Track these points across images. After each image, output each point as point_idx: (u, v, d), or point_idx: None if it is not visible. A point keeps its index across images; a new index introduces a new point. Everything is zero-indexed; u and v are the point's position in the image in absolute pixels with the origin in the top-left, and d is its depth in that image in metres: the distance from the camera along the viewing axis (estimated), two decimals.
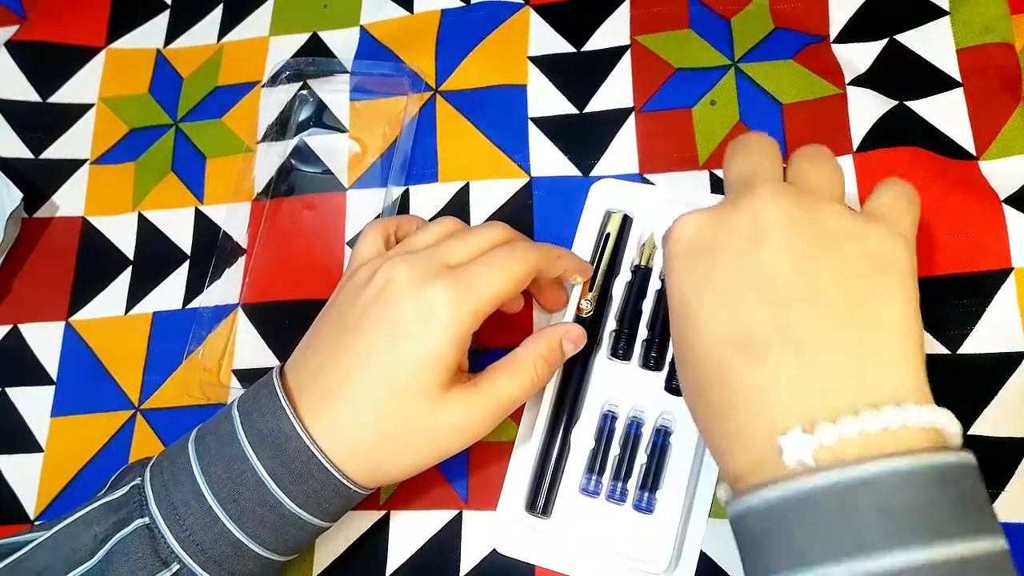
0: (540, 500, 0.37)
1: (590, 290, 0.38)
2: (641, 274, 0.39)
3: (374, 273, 0.34)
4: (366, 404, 0.32)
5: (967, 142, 0.39)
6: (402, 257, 0.34)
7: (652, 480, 0.36)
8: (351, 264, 0.37)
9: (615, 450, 0.37)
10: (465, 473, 0.38)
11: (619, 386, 0.38)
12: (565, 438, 0.37)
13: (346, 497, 0.33)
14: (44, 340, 0.45)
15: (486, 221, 0.41)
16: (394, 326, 0.32)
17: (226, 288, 0.44)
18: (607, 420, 0.37)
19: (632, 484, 0.36)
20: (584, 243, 0.40)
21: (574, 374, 0.37)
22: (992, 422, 0.35)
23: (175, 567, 0.31)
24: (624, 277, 0.39)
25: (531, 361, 0.35)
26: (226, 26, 0.50)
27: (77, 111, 0.50)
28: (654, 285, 0.39)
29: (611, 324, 0.38)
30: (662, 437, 0.36)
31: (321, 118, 0.47)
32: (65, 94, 0.50)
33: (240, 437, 0.32)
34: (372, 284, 0.34)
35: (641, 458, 0.36)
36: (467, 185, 0.43)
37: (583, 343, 0.36)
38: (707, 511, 0.35)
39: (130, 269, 0.46)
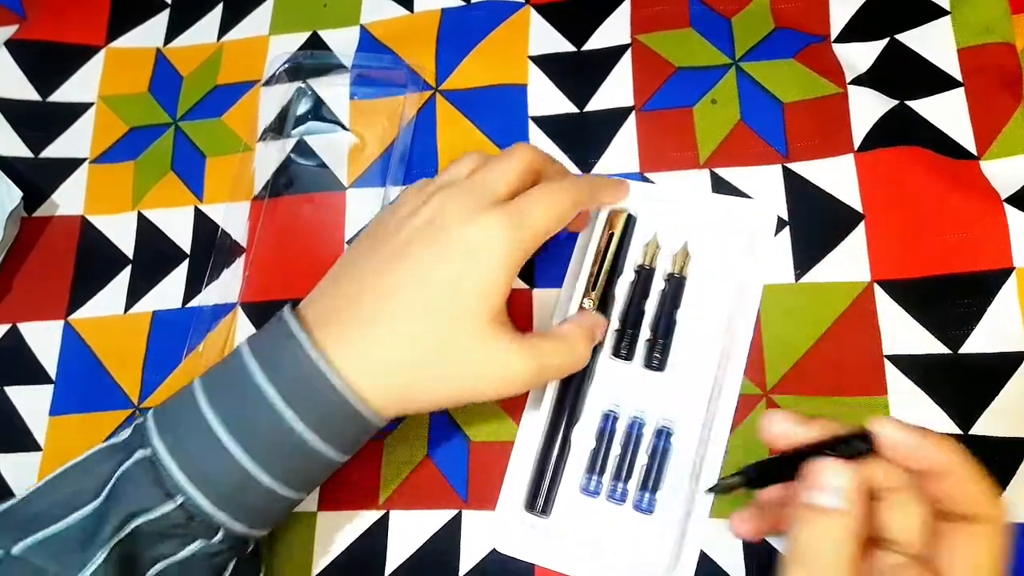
0: (540, 500, 0.36)
1: (592, 289, 0.38)
2: (645, 274, 0.39)
3: (418, 206, 0.34)
4: (406, 321, 0.31)
5: (968, 142, 0.39)
6: (448, 191, 0.33)
7: (653, 481, 0.36)
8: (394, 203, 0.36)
9: (616, 450, 0.37)
10: (465, 473, 0.38)
11: (621, 386, 0.38)
12: (566, 437, 0.37)
13: (362, 424, 0.32)
14: (43, 339, 0.45)
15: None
16: (446, 252, 0.32)
17: (225, 287, 0.44)
18: (608, 420, 0.37)
19: (632, 484, 0.36)
20: (585, 241, 0.40)
21: (575, 374, 0.37)
22: (993, 422, 0.35)
23: (179, 499, 0.30)
24: (627, 277, 0.39)
25: (577, 337, 0.35)
26: (226, 25, 0.50)
27: (77, 110, 0.50)
28: (657, 285, 0.39)
29: (614, 324, 0.38)
30: (663, 438, 0.36)
31: (320, 116, 0.47)
32: (65, 93, 0.50)
33: (248, 365, 0.31)
34: (419, 215, 0.33)
35: (642, 459, 0.36)
36: None
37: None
38: (707, 512, 0.35)
39: (129, 268, 0.46)
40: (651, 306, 0.38)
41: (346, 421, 0.31)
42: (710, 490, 0.31)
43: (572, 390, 0.37)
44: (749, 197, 0.40)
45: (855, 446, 0.26)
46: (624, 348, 0.38)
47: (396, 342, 0.31)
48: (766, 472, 0.29)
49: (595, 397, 0.38)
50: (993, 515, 0.26)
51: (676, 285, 0.38)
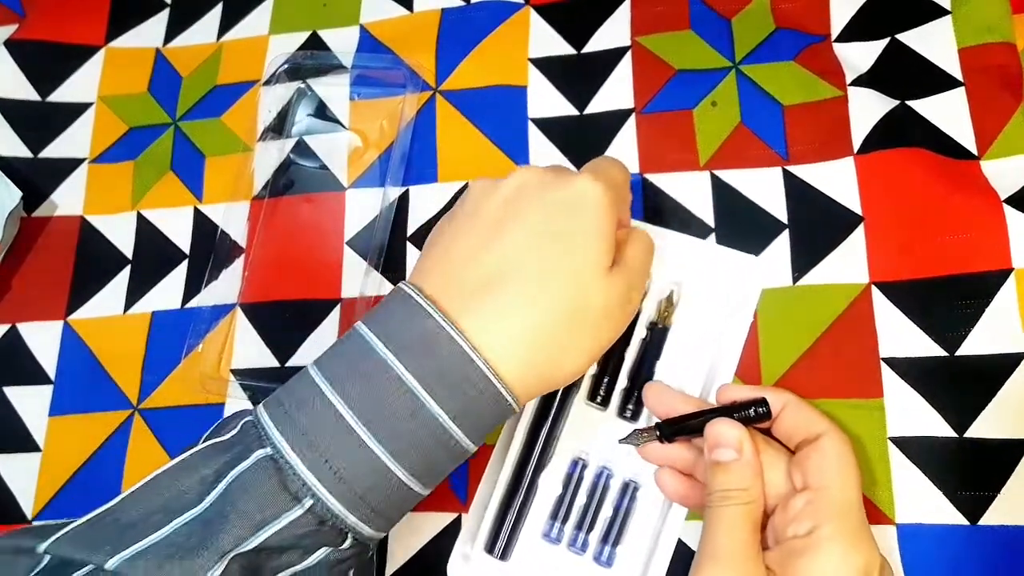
0: (500, 544, 0.36)
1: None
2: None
3: (493, 187, 0.32)
4: (536, 282, 0.30)
5: (968, 142, 0.38)
6: (518, 172, 0.33)
7: (615, 535, 0.35)
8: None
9: (581, 499, 0.36)
10: (464, 476, 0.38)
11: (593, 433, 0.37)
12: (533, 481, 0.36)
13: (501, 411, 0.29)
14: (42, 339, 0.45)
15: None
16: (553, 209, 0.31)
17: (225, 287, 0.44)
18: (577, 467, 0.37)
19: (594, 536, 0.36)
20: None
21: (547, 417, 0.37)
22: (990, 423, 0.35)
23: (308, 502, 0.27)
24: None
25: (647, 257, 0.35)
26: (225, 25, 0.50)
27: (76, 110, 0.50)
28: (639, 334, 0.38)
29: (592, 368, 0.38)
30: (630, 491, 0.36)
31: (320, 116, 0.47)
32: (64, 93, 0.50)
33: (376, 347, 0.28)
34: (504, 186, 0.32)
35: (607, 510, 0.36)
36: (467, 185, 0.43)
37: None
38: (664, 570, 0.35)
39: (129, 268, 0.46)
40: (631, 354, 0.38)
41: (488, 407, 0.29)
42: (622, 440, 0.34)
43: (544, 433, 0.37)
44: (754, 254, 0.39)
45: (755, 411, 0.33)
46: (600, 394, 0.37)
47: (531, 308, 0.29)
48: (676, 429, 0.34)
49: (566, 441, 0.37)
50: (826, 425, 0.32)
51: (658, 336, 0.38)
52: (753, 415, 0.33)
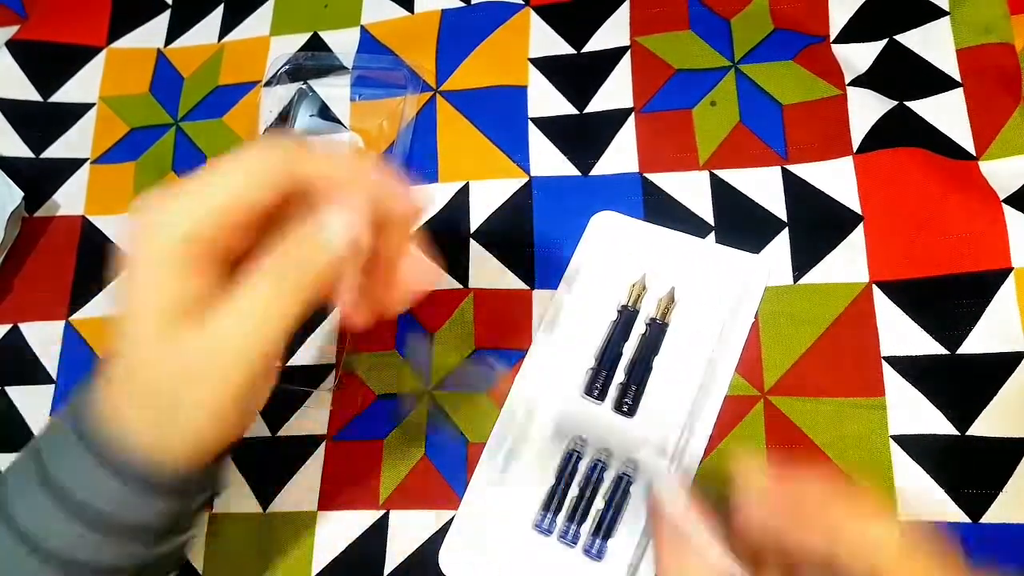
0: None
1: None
2: (627, 315, 0.38)
3: None
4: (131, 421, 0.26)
5: (967, 142, 0.39)
6: None
7: (606, 528, 0.35)
8: None
9: (574, 491, 0.36)
10: (463, 474, 0.38)
11: (588, 426, 0.37)
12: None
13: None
14: (44, 339, 0.45)
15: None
16: None
17: None
18: (571, 458, 0.37)
19: (586, 528, 0.36)
20: (579, 272, 0.39)
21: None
22: (991, 422, 0.35)
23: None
24: (609, 315, 0.39)
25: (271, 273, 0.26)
26: (227, 26, 0.50)
27: (78, 110, 0.50)
28: (638, 329, 0.38)
29: (590, 362, 0.38)
30: (623, 485, 0.36)
31: (321, 116, 0.47)
32: (66, 93, 0.50)
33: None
34: None
35: (599, 503, 0.36)
36: (467, 185, 0.43)
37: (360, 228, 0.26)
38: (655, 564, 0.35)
39: None
40: (629, 349, 0.38)
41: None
42: None
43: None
44: (754, 252, 0.39)
45: None
46: (597, 388, 0.37)
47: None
48: None
49: (561, 433, 0.37)
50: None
51: (657, 331, 0.38)
52: None
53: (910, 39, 0.41)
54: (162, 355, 0.25)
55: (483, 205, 0.43)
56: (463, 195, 0.43)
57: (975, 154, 0.38)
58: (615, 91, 0.43)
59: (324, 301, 0.27)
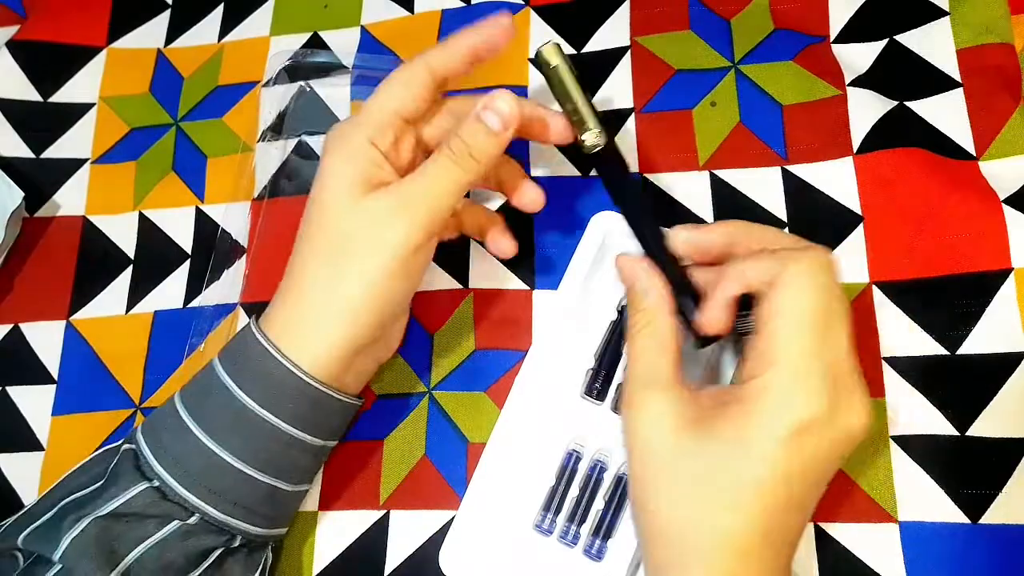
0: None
1: (579, 121, 0.35)
2: (627, 316, 0.38)
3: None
4: (308, 267, 0.34)
5: (967, 142, 0.39)
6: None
7: (606, 528, 0.35)
8: None
9: (574, 491, 0.36)
10: (463, 474, 0.38)
11: (588, 426, 0.37)
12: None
13: (306, 392, 0.33)
14: (45, 339, 0.45)
15: None
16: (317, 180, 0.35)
17: (226, 287, 0.44)
18: (571, 459, 0.37)
19: (586, 529, 0.36)
20: (579, 272, 0.39)
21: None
22: (991, 422, 0.35)
23: (156, 482, 0.32)
24: (609, 316, 0.39)
25: (446, 161, 0.34)
26: (227, 26, 0.50)
27: (78, 110, 0.50)
28: None
29: (590, 362, 0.38)
30: (623, 485, 0.36)
31: (321, 116, 0.47)
32: (66, 93, 0.50)
33: (214, 361, 0.34)
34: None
35: (599, 503, 0.36)
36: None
37: (515, 111, 0.34)
38: None
39: (131, 268, 0.46)
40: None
41: (293, 392, 0.33)
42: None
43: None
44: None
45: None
46: (597, 388, 0.37)
47: (301, 304, 0.33)
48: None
49: (561, 433, 0.37)
50: (787, 257, 0.29)
51: None
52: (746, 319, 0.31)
53: (910, 39, 0.41)
54: (351, 210, 0.33)
55: (483, 205, 0.43)
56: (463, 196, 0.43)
57: (975, 154, 0.38)
58: (615, 91, 0.43)
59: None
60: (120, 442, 0.35)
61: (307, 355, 0.33)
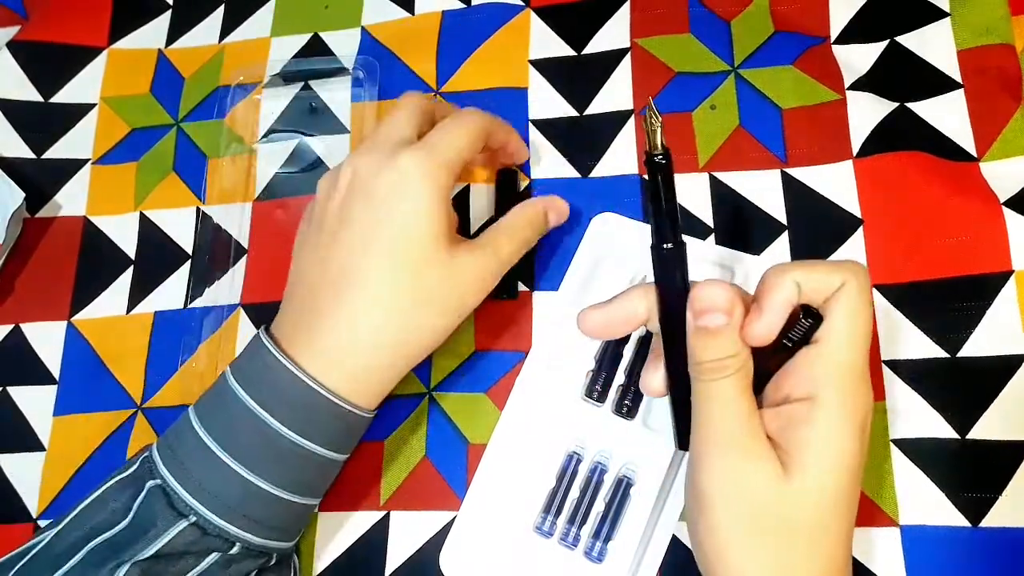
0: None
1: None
2: None
3: (333, 183, 0.35)
4: (359, 303, 0.32)
5: (968, 143, 0.39)
6: (353, 154, 0.35)
7: (607, 530, 0.35)
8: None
9: (575, 493, 0.36)
10: (464, 475, 0.38)
11: (588, 428, 0.37)
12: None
13: (346, 418, 0.33)
14: (46, 339, 0.45)
15: None
16: (371, 208, 0.33)
17: (227, 287, 0.44)
18: (571, 461, 0.37)
19: (586, 531, 0.36)
20: (580, 274, 0.39)
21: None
22: (991, 425, 0.35)
23: (192, 517, 0.32)
24: None
25: (523, 224, 0.37)
26: (227, 27, 0.50)
27: (79, 111, 0.50)
28: (638, 331, 0.38)
29: (589, 364, 0.38)
30: (623, 487, 0.36)
31: (321, 117, 0.47)
32: (67, 94, 0.50)
33: (231, 383, 0.33)
34: (337, 190, 0.34)
35: (599, 506, 0.36)
36: (467, 188, 0.43)
37: (566, 215, 0.39)
38: (657, 567, 0.35)
39: (131, 269, 0.46)
40: (629, 351, 0.38)
41: (329, 418, 0.33)
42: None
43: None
44: (757, 254, 0.39)
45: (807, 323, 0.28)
46: (597, 390, 0.37)
47: (355, 330, 0.32)
48: None
49: (561, 436, 0.37)
50: (843, 275, 0.28)
51: None
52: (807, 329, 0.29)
53: (910, 40, 0.41)
54: (440, 261, 0.33)
55: (483, 206, 0.43)
56: (463, 196, 0.43)
57: (976, 155, 0.38)
58: (615, 93, 0.43)
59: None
60: (134, 467, 0.34)
61: (344, 382, 0.33)
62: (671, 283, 0.30)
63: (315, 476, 0.34)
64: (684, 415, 0.30)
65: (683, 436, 0.31)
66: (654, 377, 0.31)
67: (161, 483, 0.32)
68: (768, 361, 0.30)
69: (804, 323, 0.28)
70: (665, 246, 0.29)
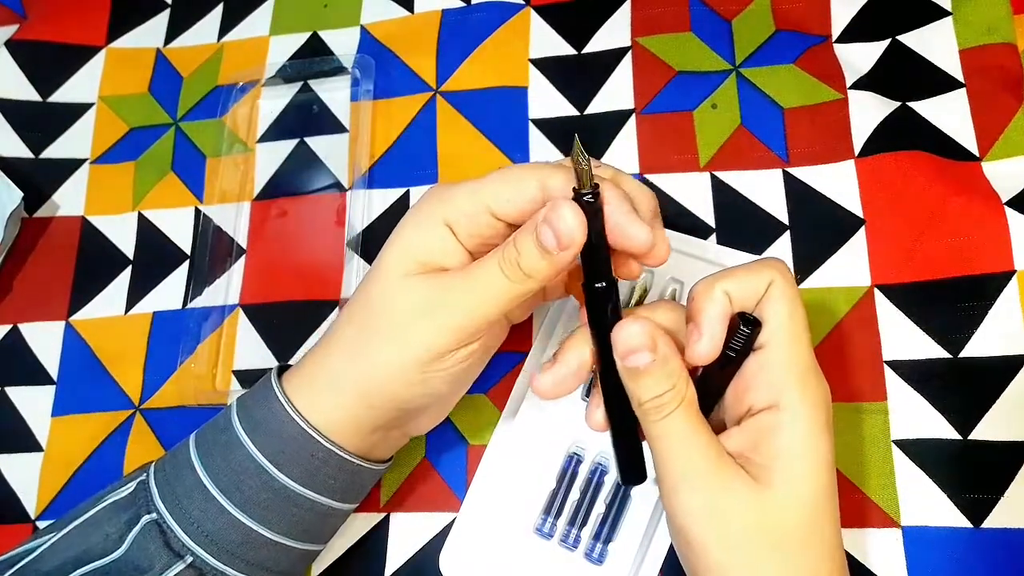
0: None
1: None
2: None
3: None
4: (350, 359, 0.31)
5: (970, 143, 0.38)
6: None
7: (607, 532, 0.35)
8: None
9: (575, 495, 0.36)
10: (463, 476, 0.38)
11: (589, 430, 0.36)
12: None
13: (350, 471, 0.32)
14: (44, 340, 0.45)
15: None
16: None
17: (226, 287, 0.44)
18: (571, 462, 0.37)
19: (586, 532, 0.36)
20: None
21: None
22: (993, 425, 0.35)
23: (188, 558, 0.31)
24: None
25: (499, 257, 0.30)
26: (226, 25, 0.50)
27: (77, 110, 0.50)
28: None
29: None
30: (623, 489, 0.36)
31: (320, 117, 0.46)
32: (65, 93, 0.50)
33: (236, 427, 0.32)
34: None
35: (600, 507, 0.36)
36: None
37: (577, 228, 0.28)
38: (657, 569, 0.35)
39: (130, 269, 0.46)
40: None
41: (334, 470, 0.32)
42: None
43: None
44: (758, 254, 0.39)
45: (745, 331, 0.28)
46: None
47: (333, 367, 0.32)
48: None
49: (561, 437, 0.37)
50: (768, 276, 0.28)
51: None
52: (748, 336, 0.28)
53: (912, 40, 0.41)
54: (393, 286, 0.30)
55: None
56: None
57: (978, 154, 0.38)
58: (616, 92, 0.43)
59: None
60: (130, 488, 0.33)
61: (336, 430, 0.32)
62: (603, 321, 0.29)
63: (318, 524, 0.33)
64: (622, 450, 0.31)
65: (625, 472, 0.31)
66: (595, 412, 0.30)
67: (157, 518, 0.31)
68: (717, 376, 0.29)
69: (744, 331, 0.28)
70: (597, 285, 0.29)
